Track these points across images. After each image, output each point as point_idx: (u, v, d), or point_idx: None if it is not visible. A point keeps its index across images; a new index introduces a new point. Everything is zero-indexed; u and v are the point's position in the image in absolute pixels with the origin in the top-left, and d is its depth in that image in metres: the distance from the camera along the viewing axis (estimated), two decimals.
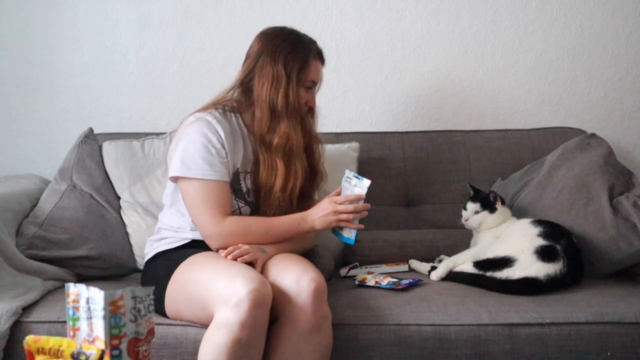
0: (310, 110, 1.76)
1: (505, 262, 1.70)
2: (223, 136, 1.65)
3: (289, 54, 1.67)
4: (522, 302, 1.60)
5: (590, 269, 1.81)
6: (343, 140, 2.24)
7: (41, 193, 2.03)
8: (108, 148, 2.14)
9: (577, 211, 1.86)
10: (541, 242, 1.72)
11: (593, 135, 2.12)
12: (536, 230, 1.76)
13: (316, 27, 2.39)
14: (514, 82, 2.42)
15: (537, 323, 1.52)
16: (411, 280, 1.74)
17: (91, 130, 2.19)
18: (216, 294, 1.38)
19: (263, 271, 1.53)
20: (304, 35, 1.74)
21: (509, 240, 1.78)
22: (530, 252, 1.69)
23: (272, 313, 1.45)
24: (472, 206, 1.88)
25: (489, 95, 2.42)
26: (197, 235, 1.68)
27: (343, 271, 1.95)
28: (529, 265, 1.68)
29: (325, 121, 2.40)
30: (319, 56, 1.74)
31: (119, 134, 2.24)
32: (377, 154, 2.25)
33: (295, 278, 1.45)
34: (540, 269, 1.67)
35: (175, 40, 2.41)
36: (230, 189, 1.66)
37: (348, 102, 2.42)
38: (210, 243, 1.62)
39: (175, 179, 1.67)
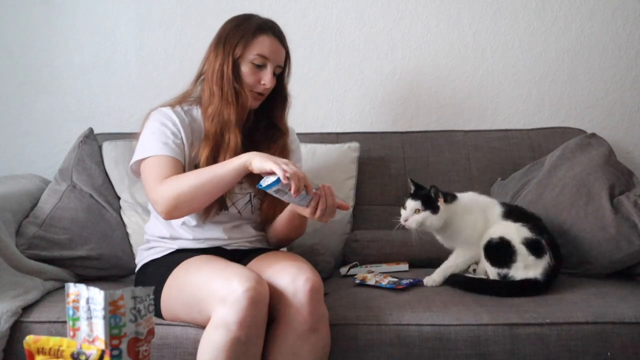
0: (267, 92, 1.70)
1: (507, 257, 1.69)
2: (179, 124, 1.66)
3: (230, 31, 1.67)
4: (522, 302, 1.60)
5: (591, 269, 1.81)
6: (343, 140, 2.24)
7: (41, 193, 2.03)
8: (108, 148, 2.14)
9: (577, 210, 1.86)
10: (527, 234, 1.70)
11: (593, 135, 2.13)
12: (521, 229, 1.71)
13: (316, 27, 2.40)
14: (514, 82, 2.42)
15: (537, 323, 1.52)
16: (411, 280, 1.74)
17: (91, 130, 2.19)
18: (213, 295, 1.38)
19: (258, 271, 1.53)
20: (256, 16, 1.72)
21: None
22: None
23: (269, 313, 1.45)
24: (412, 204, 1.72)
25: (489, 95, 2.42)
26: (182, 244, 1.67)
27: (343, 270, 1.95)
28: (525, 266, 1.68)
29: (325, 121, 2.42)
30: (269, 31, 1.68)
31: (119, 134, 2.24)
32: (377, 154, 2.25)
33: (291, 278, 1.44)
34: (537, 266, 1.67)
35: (175, 40, 2.41)
36: (179, 167, 1.62)
37: (348, 102, 2.42)
38: (157, 209, 1.58)
39: (137, 172, 1.67)
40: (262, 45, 1.66)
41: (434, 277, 1.75)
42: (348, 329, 1.53)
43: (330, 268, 1.94)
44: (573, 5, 2.39)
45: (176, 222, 1.68)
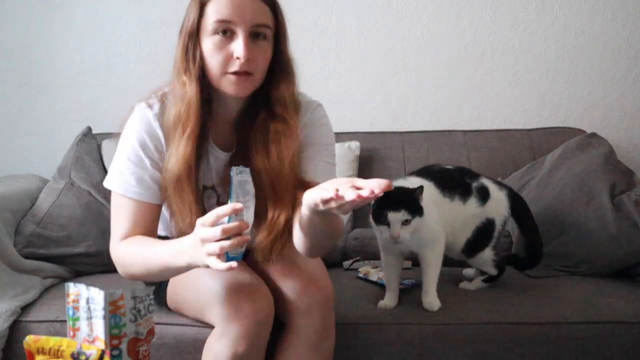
0: (243, 67, 1.26)
1: (486, 230, 1.67)
2: (163, 142, 1.34)
3: (188, 8, 1.37)
4: (522, 302, 1.60)
5: (591, 268, 1.81)
6: (343, 140, 2.24)
7: (40, 193, 2.03)
8: (107, 146, 2.15)
9: (578, 210, 1.86)
10: (473, 202, 1.67)
11: (593, 134, 2.13)
12: (470, 203, 1.66)
13: (316, 27, 2.40)
14: (514, 82, 2.42)
15: (537, 323, 1.52)
16: (413, 281, 1.74)
17: (89, 128, 2.20)
18: (219, 308, 1.32)
19: (267, 272, 1.46)
20: None
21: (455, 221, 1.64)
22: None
23: (278, 317, 1.40)
24: (397, 216, 1.45)
25: (489, 95, 2.42)
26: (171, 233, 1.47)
27: (346, 264, 1.96)
28: (498, 205, 1.69)
29: None
30: None
31: (119, 134, 2.24)
32: (377, 153, 2.25)
33: (303, 286, 1.36)
34: (498, 199, 1.69)
35: (176, 40, 2.40)
36: (154, 211, 1.36)
37: (348, 102, 2.42)
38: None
39: None
40: (220, 5, 1.26)
41: (432, 302, 1.57)
42: (348, 328, 1.53)
43: (335, 256, 1.95)
44: (573, 5, 2.39)
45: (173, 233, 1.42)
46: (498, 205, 1.69)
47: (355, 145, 2.20)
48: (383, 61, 2.41)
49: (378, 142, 2.27)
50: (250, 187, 1.16)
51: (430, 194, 1.59)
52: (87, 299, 1.08)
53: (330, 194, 1.00)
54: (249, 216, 1.14)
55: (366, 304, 1.61)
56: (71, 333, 1.10)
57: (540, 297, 1.64)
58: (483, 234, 1.67)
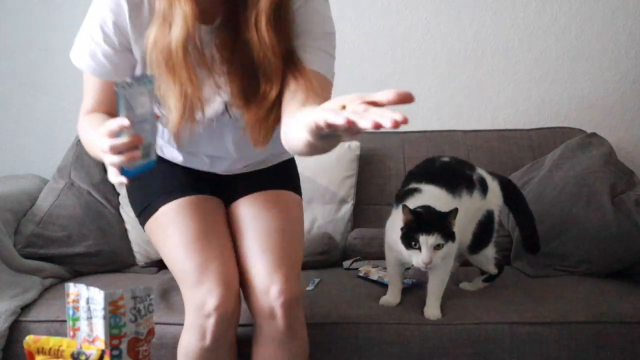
0: None
1: (487, 223, 1.65)
2: (127, 16, 1.26)
3: None
4: (522, 301, 1.60)
5: (592, 267, 1.81)
6: (343, 140, 2.24)
7: (40, 193, 2.04)
8: None
9: (578, 210, 1.86)
10: (478, 195, 1.63)
11: (594, 134, 2.13)
12: (473, 197, 1.62)
13: None
14: (514, 82, 2.42)
15: (537, 322, 1.52)
16: (414, 281, 1.74)
17: None
18: (187, 294, 1.33)
19: (240, 249, 1.40)
20: None
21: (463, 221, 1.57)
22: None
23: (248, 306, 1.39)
24: (430, 240, 1.40)
25: (489, 95, 2.42)
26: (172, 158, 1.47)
27: (346, 263, 1.96)
28: (494, 196, 1.68)
29: None
30: None
31: None
32: (377, 153, 2.25)
33: (265, 286, 1.32)
34: (494, 191, 1.68)
35: None
36: (108, 87, 1.29)
37: None
38: None
39: None
40: None
41: (435, 313, 1.54)
42: (348, 328, 1.53)
43: (335, 256, 1.95)
44: (573, 5, 2.39)
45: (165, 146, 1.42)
46: (494, 196, 1.69)
47: (355, 145, 2.20)
48: (383, 61, 2.41)
49: (378, 142, 2.27)
50: (146, 99, 1.05)
51: (445, 202, 1.52)
52: (87, 299, 1.08)
53: (340, 120, 0.81)
54: (146, 129, 1.05)
55: (366, 303, 1.61)
56: (71, 333, 1.11)
57: (540, 296, 1.64)
58: (485, 227, 1.66)
